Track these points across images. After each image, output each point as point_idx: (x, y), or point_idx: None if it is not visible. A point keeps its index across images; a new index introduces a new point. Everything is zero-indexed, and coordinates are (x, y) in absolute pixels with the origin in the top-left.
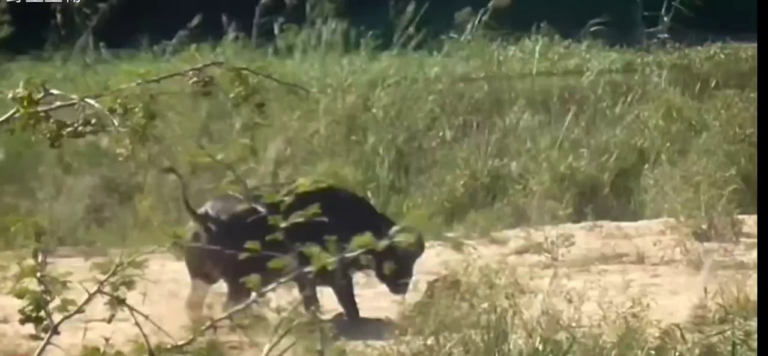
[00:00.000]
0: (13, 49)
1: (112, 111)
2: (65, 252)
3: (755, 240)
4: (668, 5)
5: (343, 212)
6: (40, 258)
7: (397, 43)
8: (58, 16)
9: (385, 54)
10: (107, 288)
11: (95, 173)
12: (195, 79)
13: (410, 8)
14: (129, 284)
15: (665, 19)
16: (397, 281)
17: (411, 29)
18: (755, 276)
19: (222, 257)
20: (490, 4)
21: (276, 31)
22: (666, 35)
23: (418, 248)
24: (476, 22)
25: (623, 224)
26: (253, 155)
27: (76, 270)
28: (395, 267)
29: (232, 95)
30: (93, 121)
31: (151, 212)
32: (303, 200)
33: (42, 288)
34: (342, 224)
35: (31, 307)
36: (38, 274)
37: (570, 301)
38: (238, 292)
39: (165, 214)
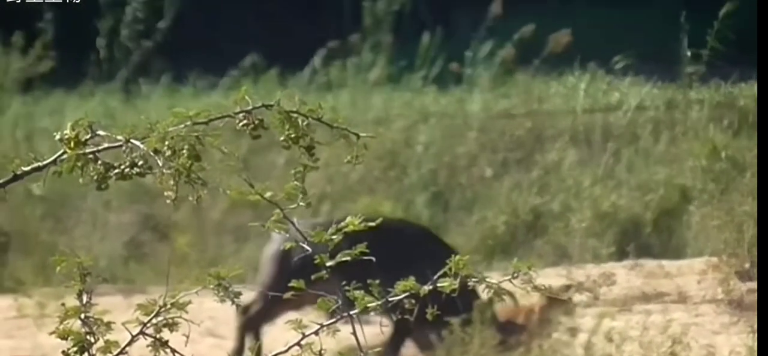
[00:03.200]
0: (52, 82)
1: (157, 152)
2: (104, 290)
3: None
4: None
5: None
6: (84, 299)
7: (432, 77)
8: (101, 50)
9: (428, 89)
10: (150, 330)
11: (134, 210)
12: (244, 121)
13: (440, 41)
14: (172, 326)
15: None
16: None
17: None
18: None
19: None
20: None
21: (317, 63)
22: (693, 69)
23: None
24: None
25: (665, 262)
26: (303, 195)
27: (114, 308)
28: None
29: (281, 138)
30: (140, 163)
31: (188, 249)
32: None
33: (86, 329)
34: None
35: (75, 349)
36: (83, 315)
37: (611, 341)
38: None
39: (202, 252)
